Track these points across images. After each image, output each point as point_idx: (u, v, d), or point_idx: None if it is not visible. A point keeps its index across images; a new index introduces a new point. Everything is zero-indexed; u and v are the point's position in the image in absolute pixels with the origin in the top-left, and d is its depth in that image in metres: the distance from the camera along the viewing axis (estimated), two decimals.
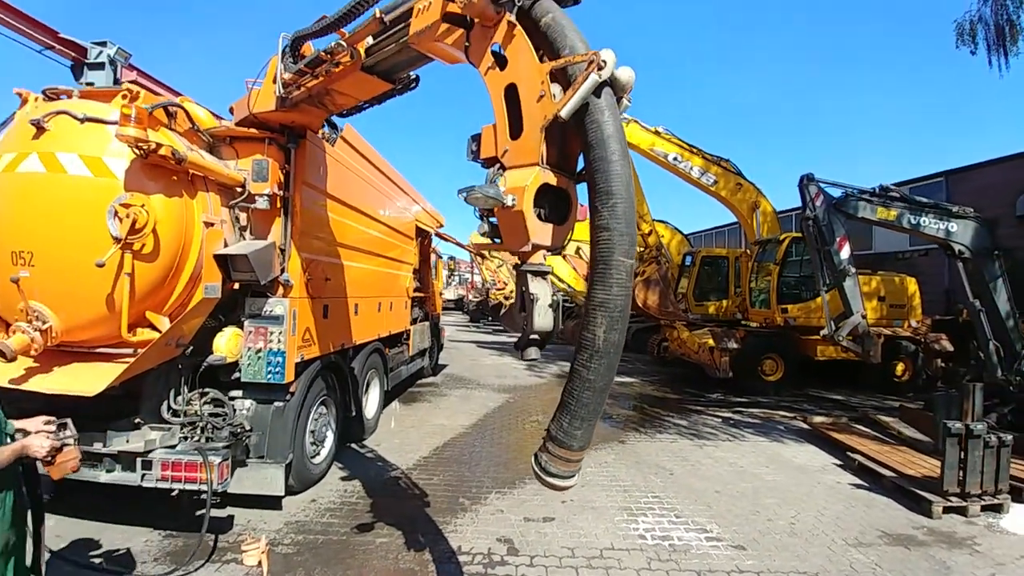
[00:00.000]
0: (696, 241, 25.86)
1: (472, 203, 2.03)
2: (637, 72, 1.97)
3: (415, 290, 8.76)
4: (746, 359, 9.69)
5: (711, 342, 9.98)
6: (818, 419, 7.37)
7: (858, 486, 5.18)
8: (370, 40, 3.13)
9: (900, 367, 10.07)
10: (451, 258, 18.20)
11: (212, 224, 3.68)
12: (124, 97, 3.46)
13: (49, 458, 2.11)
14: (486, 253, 20.57)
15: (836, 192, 6.72)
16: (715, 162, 11.09)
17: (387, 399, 7.40)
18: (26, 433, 2.18)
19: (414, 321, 8.78)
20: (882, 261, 14.71)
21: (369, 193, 6.13)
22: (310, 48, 3.50)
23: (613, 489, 5.01)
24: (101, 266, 3.05)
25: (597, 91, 1.84)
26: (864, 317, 6.75)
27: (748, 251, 11.73)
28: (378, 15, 2.86)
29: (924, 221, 6.35)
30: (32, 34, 12.64)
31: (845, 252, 6.58)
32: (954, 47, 9.18)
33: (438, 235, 10.85)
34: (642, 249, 13.42)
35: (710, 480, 5.28)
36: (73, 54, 14.38)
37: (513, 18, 2.12)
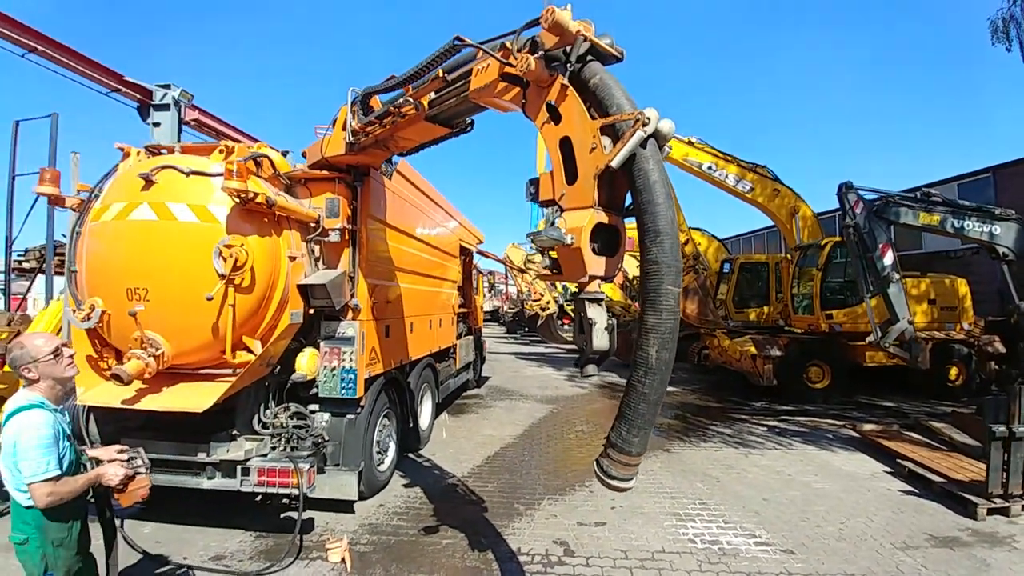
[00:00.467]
0: (734, 246, 25.52)
1: (539, 245, 2.38)
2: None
3: (459, 306, 9.19)
4: (790, 366, 9.62)
5: (753, 349, 9.96)
6: (868, 427, 7.31)
7: (908, 492, 5.20)
8: (432, 94, 3.54)
9: (953, 371, 9.76)
10: (490, 272, 18.70)
11: (295, 258, 4.17)
12: (221, 152, 4.02)
13: (121, 486, 2.24)
14: (520, 265, 20.99)
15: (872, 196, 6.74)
16: (751, 169, 11.12)
17: (437, 411, 7.81)
18: (99, 462, 2.31)
19: (459, 336, 9.18)
20: (933, 261, 14.20)
21: (420, 218, 6.60)
22: (378, 102, 3.95)
23: (661, 496, 5.20)
24: (210, 299, 3.56)
25: (643, 143, 2.14)
26: (911, 323, 6.71)
27: (789, 256, 11.63)
28: (441, 75, 3.26)
29: (968, 225, 6.31)
30: (100, 78, 13.99)
31: (888, 258, 6.58)
32: (989, 45, 9.06)
33: (479, 252, 11.28)
34: None
35: (757, 488, 5.40)
36: (139, 96, 15.76)
37: (566, 80, 2.46)
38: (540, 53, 2.52)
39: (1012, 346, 9.46)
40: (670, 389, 11.47)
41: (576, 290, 2.57)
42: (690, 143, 11.23)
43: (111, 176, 4.16)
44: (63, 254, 11.44)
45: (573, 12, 2.40)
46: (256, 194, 3.62)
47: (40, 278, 13.21)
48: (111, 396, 3.91)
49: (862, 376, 10.19)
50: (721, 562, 3.88)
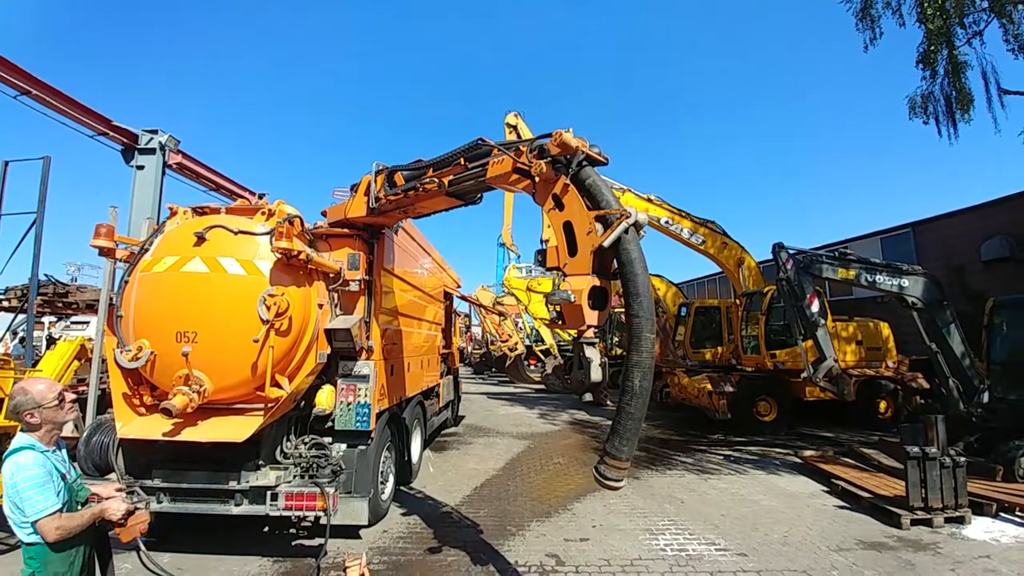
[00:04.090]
0: (689, 290, 27.22)
1: (552, 303, 3.18)
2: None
3: (443, 347, 9.80)
4: (742, 401, 10.64)
5: (709, 386, 10.95)
6: (808, 453, 8.29)
7: (841, 507, 6.10)
8: (452, 176, 4.36)
9: (883, 404, 11.06)
10: (466, 315, 19.30)
11: (322, 305, 4.79)
12: (263, 214, 4.68)
13: (122, 521, 2.33)
14: (490, 306, 21.77)
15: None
16: (702, 223, 12.49)
17: (424, 447, 8.27)
18: (101, 498, 2.41)
19: (442, 375, 9.74)
20: (863, 305, 15.95)
21: (417, 267, 7.33)
22: (401, 178, 4.74)
23: (634, 515, 5.89)
24: (256, 341, 4.14)
25: (626, 230, 3.00)
26: (836, 361, 7.83)
27: (737, 301, 12.94)
28: (463, 163, 4.11)
29: (879, 279, 7.60)
30: (87, 121, 14.37)
31: (815, 306, 7.76)
32: (907, 119, 10.78)
33: (459, 296, 12.00)
34: None
35: (716, 506, 6.18)
36: (125, 140, 16.20)
37: (568, 180, 3.33)
38: (548, 158, 3.41)
39: (931, 382, 10.89)
40: None
41: (575, 336, 3.35)
42: (649, 200, 12.55)
43: (160, 232, 4.70)
44: (46, 294, 11.43)
45: (574, 131, 3.33)
46: (299, 251, 4.29)
47: (7, 316, 12.88)
48: (150, 429, 4.33)
49: (805, 410, 11.33)
50: (689, 564, 4.59)
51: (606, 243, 2.97)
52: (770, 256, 8.32)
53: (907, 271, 7.82)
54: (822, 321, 7.74)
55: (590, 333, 3.29)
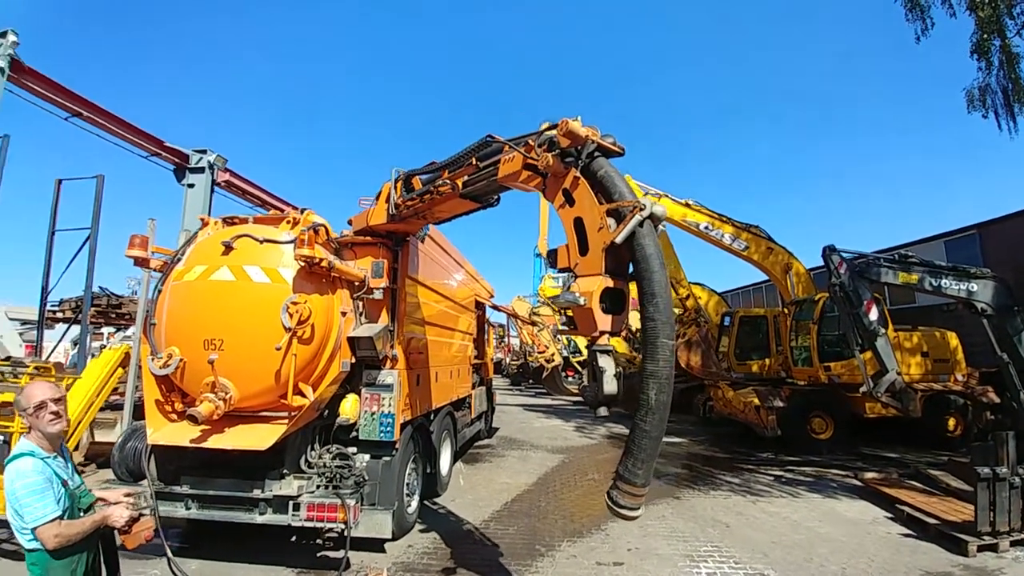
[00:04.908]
0: (733, 300, 26.15)
1: (559, 306, 2.97)
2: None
3: (474, 357, 9.67)
4: (793, 417, 9.92)
5: (756, 401, 10.29)
6: (870, 475, 7.59)
7: (906, 535, 5.49)
8: (466, 177, 4.21)
9: (952, 422, 10.06)
10: (500, 325, 19.19)
11: (345, 313, 4.75)
12: (288, 223, 4.71)
13: (127, 527, 2.29)
14: (525, 317, 21.55)
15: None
16: (744, 228, 11.90)
17: (454, 459, 8.11)
18: (107, 504, 2.38)
19: (474, 386, 9.60)
20: (930, 313, 14.72)
21: (445, 276, 7.25)
22: (419, 182, 4.66)
23: (673, 539, 5.49)
24: (279, 349, 4.12)
25: (640, 224, 2.70)
26: (899, 374, 7.15)
27: (785, 310, 12.20)
28: (474, 162, 3.96)
29: (945, 283, 6.91)
30: (141, 143, 15.22)
31: (874, 314, 7.13)
32: (966, 112, 10.01)
33: (491, 305, 11.88)
34: (681, 312, 14.08)
35: (765, 532, 5.69)
36: (176, 160, 17.08)
37: (578, 173, 3.07)
38: (557, 151, 3.16)
39: (1003, 396, 9.84)
40: (677, 440, 11.72)
41: (588, 343, 3.08)
42: (687, 205, 12.10)
43: (192, 242, 4.81)
44: (100, 305, 12.13)
45: (583, 119, 3.07)
46: (321, 259, 4.26)
47: (64, 327, 13.80)
48: (179, 436, 4.38)
49: (865, 427, 10.45)
50: None
51: (618, 239, 2.69)
52: (820, 262, 7.74)
53: (975, 274, 7.09)
54: (882, 330, 7.09)
55: (604, 340, 3.01)
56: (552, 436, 12.01)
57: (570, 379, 23.20)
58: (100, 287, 12.22)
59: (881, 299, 8.53)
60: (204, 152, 15.78)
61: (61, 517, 2.13)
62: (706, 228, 11.88)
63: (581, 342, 22.36)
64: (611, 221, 2.80)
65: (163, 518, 4.41)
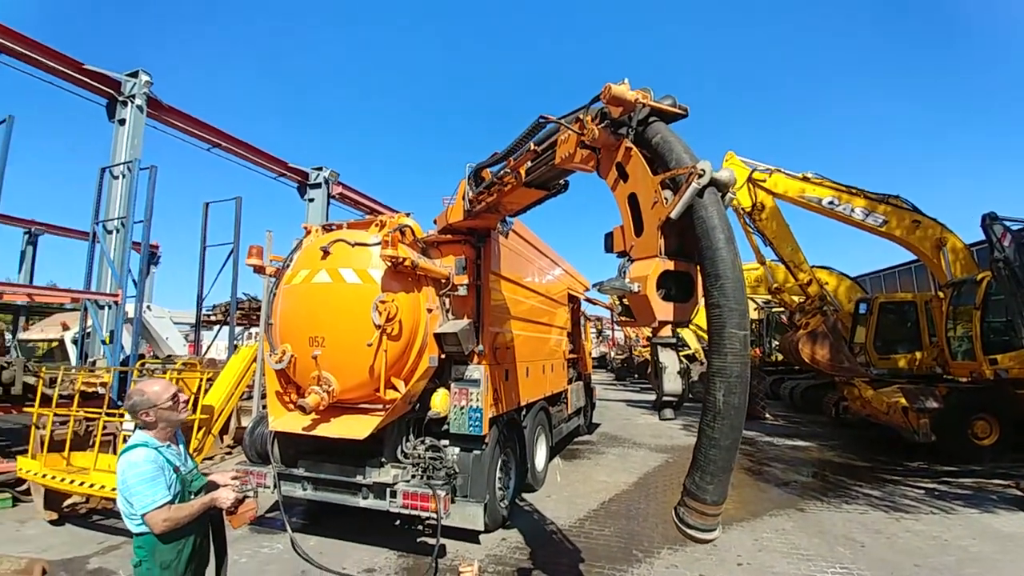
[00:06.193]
0: (874, 284, 22.80)
1: (604, 293, 2.63)
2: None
3: (569, 352, 9.51)
4: (951, 420, 8.31)
5: (904, 401, 8.78)
6: None
7: None
8: (529, 163, 4.01)
9: None
10: (597, 318, 18.82)
11: (431, 310, 4.90)
12: (377, 226, 4.96)
13: (233, 509, 2.40)
14: None
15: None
16: (882, 200, 10.24)
17: (551, 455, 8.05)
18: (216, 486, 2.51)
19: (570, 381, 9.45)
20: None
21: (533, 271, 7.19)
22: (488, 174, 4.62)
23: (794, 557, 4.86)
24: (370, 345, 4.36)
25: (700, 193, 2.23)
26: None
27: (940, 294, 10.28)
28: (532, 147, 3.78)
29: None
30: (269, 166, 17.24)
31: None
32: None
33: (586, 299, 11.61)
34: (803, 300, 12.57)
35: (908, 554, 4.82)
36: (299, 178, 19.09)
37: (630, 143, 2.71)
38: (607, 122, 2.84)
39: None
40: (803, 444, 10.49)
41: (649, 336, 2.73)
42: (806, 179, 10.74)
43: (298, 249, 5.29)
44: (243, 309, 14.08)
45: (632, 83, 2.68)
46: (404, 259, 4.42)
47: (211, 328, 16.22)
48: (294, 424, 4.84)
49: None
50: None
51: (673, 213, 2.29)
52: (981, 235, 6.34)
53: None
54: None
55: (666, 331, 2.57)
56: (656, 434, 11.42)
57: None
58: (244, 293, 14.18)
59: None
60: (320, 169, 17.64)
61: (172, 502, 2.25)
62: (831, 203, 10.45)
63: (690, 335, 21.05)
64: (667, 194, 2.41)
65: (284, 497, 4.95)
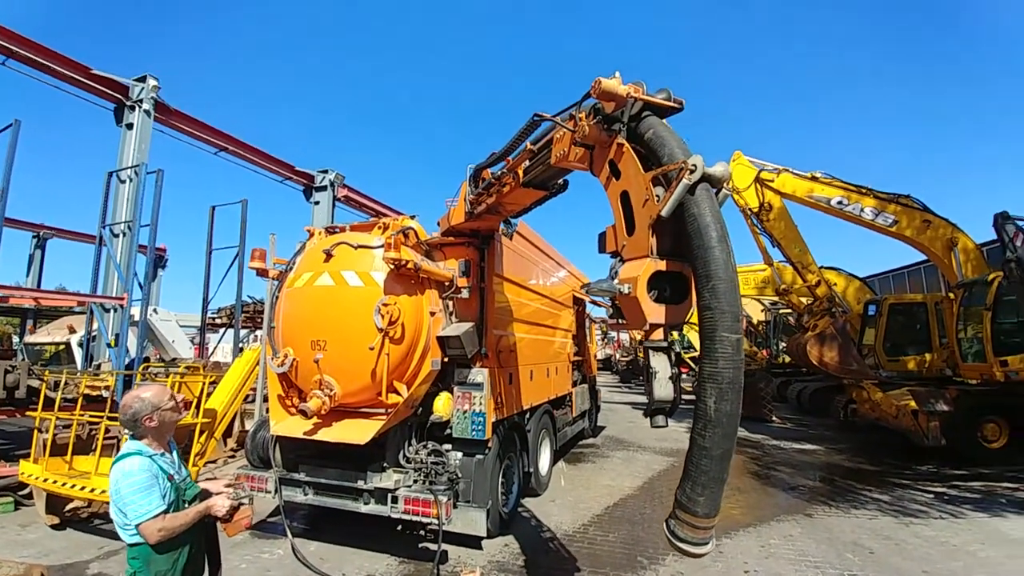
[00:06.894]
0: (883, 285, 22.55)
1: (593, 295, 2.55)
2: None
3: (574, 354, 9.44)
4: (961, 423, 8.20)
5: (913, 404, 8.67)
6: None
7: None
8: (527, 163, 3.91)
9: None
10: (602, 320, 18.64)
11: (435, 313, 4.85)
12: (379, 228, 4.93)
13: (228, 516, 2.36)
14: None
15: None
16: (892, 200, 10.11)
17: (555, 458, 7.98)
18: (209, 494, 2.46)
19: (574, 384, 9.37)
20: None
21: (538, 273, 7.14)
22: (488, 174, 4.56)
23: (802, 564, 4.78)
24: (372, 349, 4.32)
25: (692, 189, 2.12)
26: None
27: (951, 295, 10.13)
28: (529, 146, 3.71)
29: None
30: (277, 169, 17.26)
31: None
32: None
33: (591, 301, 11.53)
34: (811, 301, 12.45)
35: (917, 560, 4.73)
36: (304, 181, 19.08)
37: (622, 139, 2.62)
38: (599, 118, 2.75)
39: None
40: (811, 447, 10.37)
41: (640, 339, 2.62)
42: (814, 178, 10.64)
43: (301, 252, 5.27)
44: (248, 311, 14.10)
45: (624, 77, 2.54)
46: (407, 261, 4.38)
47: (217, 331, 16.27)
48: (295, 428, 4.80)
49: None
50: None
51: (664, 211, 2.17)
52: (993, 235, 6.22)
53: None
54: None
55: (658, 335, 2.48)
56: (661, 437, 11.32)
57: (684, 376, 21.83)
58: (249, 296, 14.20)
59: None
60: (326, 172, 17.67)
61: (166, 511, 2.19)
62: (840, 203, 10.33)
63: (695, 337, 20.89)
64: (659, 191, 2.31)
65: (285, 502, 4.92)
